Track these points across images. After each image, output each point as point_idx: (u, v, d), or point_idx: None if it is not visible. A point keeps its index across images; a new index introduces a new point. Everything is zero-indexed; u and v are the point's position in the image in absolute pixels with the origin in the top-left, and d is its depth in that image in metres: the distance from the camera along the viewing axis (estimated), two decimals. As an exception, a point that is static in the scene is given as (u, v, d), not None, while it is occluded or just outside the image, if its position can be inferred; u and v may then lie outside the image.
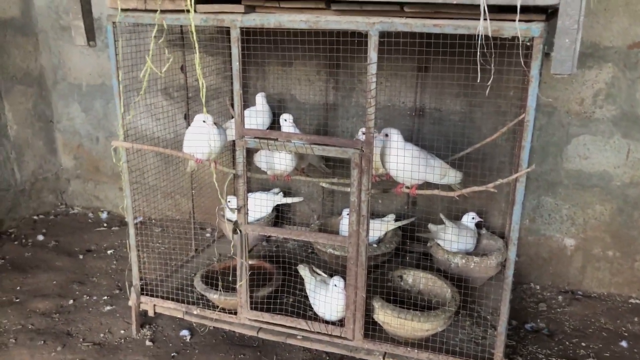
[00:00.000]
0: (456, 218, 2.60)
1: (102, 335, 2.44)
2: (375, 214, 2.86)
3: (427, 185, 2.13)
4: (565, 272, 2.80)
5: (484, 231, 2.65)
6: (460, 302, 2.16)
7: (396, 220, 2.74)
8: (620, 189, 2.61)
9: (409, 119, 2.79)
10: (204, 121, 2.19)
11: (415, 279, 2.38)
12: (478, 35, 1.57)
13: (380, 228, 2.66)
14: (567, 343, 2.39)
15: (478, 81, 1.67)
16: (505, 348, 2.20)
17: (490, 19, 1.58)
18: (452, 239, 2.43)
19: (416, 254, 2.74)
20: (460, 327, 2.23)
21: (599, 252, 2.71)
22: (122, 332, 2.46)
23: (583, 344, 2.38)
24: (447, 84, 2.63)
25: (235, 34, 1.91)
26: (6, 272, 2.95)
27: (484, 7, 1.53)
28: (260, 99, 2.72)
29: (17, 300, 2.69)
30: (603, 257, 2.71)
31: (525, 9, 1.56)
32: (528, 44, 1.63)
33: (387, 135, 2.11)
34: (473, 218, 2.53)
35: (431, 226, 2.51)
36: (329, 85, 2.89)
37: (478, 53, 1.59)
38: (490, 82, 1.74)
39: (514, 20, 1.55)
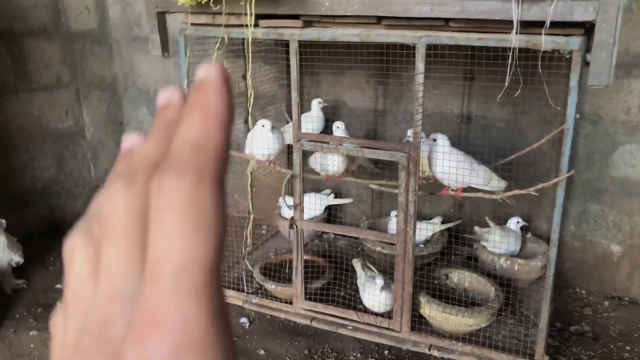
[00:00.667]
0: (502, 222, 2.69)
1: (168, 319, 2.67)
2: (422, 217, 2.99)
3: (472, 188, 2.25)
4: (611, 278, 2.83)
5: (529, 235, 2.73)
6: (503, 300, 2.26)
7: (443, 222, 2.86)
8: (668, 196, 2.63)
9: (456, 125, 2.90)
10: (263, 126, 2.39)
11: (461, 277, 2.50)
12: (512, 49, 1.69)
13: (427, 230, 2.78)
14: (611, 346, 2.44)
15: (516, 94, 1.79)
16: (548, 347, 2.29)
17: (529, 33, 1.70)
18: (497, 242, 2.53)
19: (462, 255, 2.85)
20: (503, 325, 2.33)
21: (646, 259, 2.74)
22: (186, 317, 2.69)
23: (628, 348, 2.42)
24: (493, 92, 2.72)
25: (294, 47, 2.10)
26: (83, 260, 3.25)
27: (517, 23, 1.66)
28: (315, 105, 2.89)
29: (94, 285, 2.97)
30: (650, 264, 2.74)
31: (564, 24, 1.68)
32: (567, 56, 1.74)
33: (435, 140, 2.25)
34: (518, 222, 2.61)
35: (477, 229, 2.62)
36: (378, 93, 3.05)
37: (509, 65, 1.72)
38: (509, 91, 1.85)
39: (552, 35, 1.67)
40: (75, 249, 0.25)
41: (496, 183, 2.26)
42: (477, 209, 2.93)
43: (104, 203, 0.24)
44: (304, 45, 2.20)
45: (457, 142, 2.89)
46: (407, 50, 1.98)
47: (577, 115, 2.53)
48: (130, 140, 0.28)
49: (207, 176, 0.22)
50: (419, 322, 2.22)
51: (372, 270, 2.44)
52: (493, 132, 2.82)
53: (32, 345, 2.43)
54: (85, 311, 0.23)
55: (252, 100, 2.13)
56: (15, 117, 3.34)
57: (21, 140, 3.39)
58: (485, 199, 2.81)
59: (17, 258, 2.85)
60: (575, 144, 2.73)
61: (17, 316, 2.64)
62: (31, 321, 2.60)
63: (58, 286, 2.93)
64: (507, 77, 1.77)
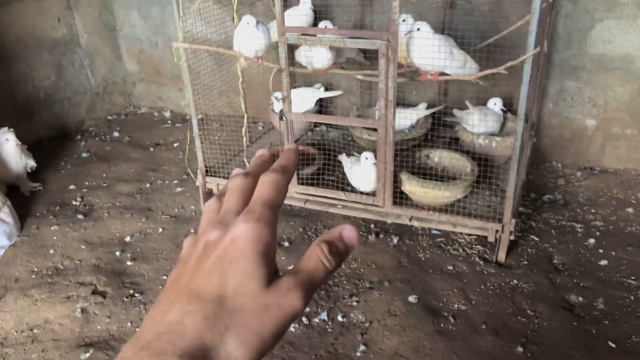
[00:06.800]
0: (484, 104, 2.83)
1: (176, 210, 2.94)
2: (408, 104, 3.13)
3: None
4: (585, 150, 3.02)
5: (509, 115, 2.88)
6: (477, 173, 2.46)
7: (428, 108, 3.00)
8: (642, 70, 2.74)
9: (441, 11, 2.95)
10: (247, 23, 2.47)
11: (441, 157, 2.70)
12: None
13: (412, 116, 2.93)
14: (578, 210, 2.69)
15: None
16: (519, 214, 2.53)
17: None
18: (475, 122, 2.69)
19: (445, 138, 3.02)
20: (480, 197, 2.55)
21: (618, 131, 2.90)
22: (192, 207, 2.95)
23: (592, 211, 2.67)
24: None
25: (272, -61, 2.14)
26: (93, 162, 3.47)
27: None
28: (302, 2, 2.91)
29: (105, 184, 3.22)
30: (622, 135, 2.91)
31: None
32: None
33: (419, 29, 2.32)
34: (495, 104, 2.75)
35: (456, 111, 2.77)
36: (364, -18, 3.07)
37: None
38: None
39: None
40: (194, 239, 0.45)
41: (471, 65, 2.37)
42: (461, 94, 3.06)
43: (207, 235, 0.43)
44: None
45: (442, 29, 2.97)
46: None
47: (556, -6, 2.58)
48: (209, 203, 0.48)
49: (266, 222, 0.41)
50: (402, 199, 2.44)
51: (355, 155, 2.63)
52: (477, 16, 2.88)
53: (54, 238, 2.71)
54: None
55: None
56: (10, 28, 3.41)
57: (18, 51, 3.48)
58: (468, 83, 2.94)
59: (31, 163, 3.08)
60: (555, 23, 2.80)
61: (38, 214, 2.90)
62: (51, 218, 2.87)
63: (71, 187, 3.17)
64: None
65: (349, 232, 0.44)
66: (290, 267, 0.42)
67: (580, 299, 2.14)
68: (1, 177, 2.99)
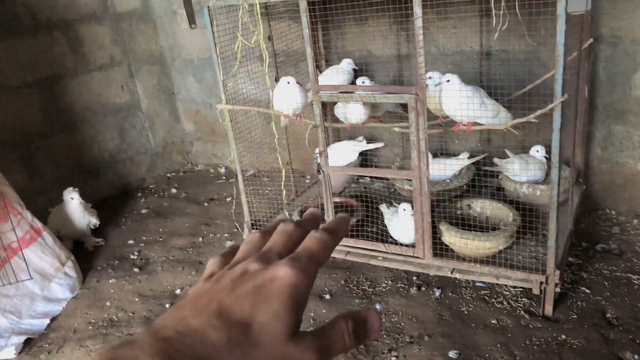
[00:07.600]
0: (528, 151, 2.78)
1: (224, 263, 3.03)
2: (451, 153, 3.13)
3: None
4: (640, 196, 2.88)
5: (554, 162, 2.81)
6: (519, 223, 2.40)
7: (470, 157, 2.98)
8: (694, 110, 2.62)
9: (477, 62, 2.98)
10: (288, 82, 2.60)
11: (483, 206, 2.66)
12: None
13: (453, 166, 2.92)
14: (634, 260, 2.54)
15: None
16: (567, 263, 2.43)
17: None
18: (517, 171, 2.64)
19: (490, 187, 2.98)
20: (524, 247, 2.48)
21: (674, 175, 2.76)
22: (240, 260, 3.03)
23: (650, 261, 2.52)
24: (510, 26, 2.76)
25: (303, 6, 2.28)
26: (151, 218, 3.67)
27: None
28: (345, 63, 3.02)
29: (161, 239, 3.38)
30: (679, 179, 2.76)
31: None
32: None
33: (448, 80, 2.37)
34: (538, 151, 2.70)
35: (496, 160, 2.74)
36: (400, 38, 3.16)
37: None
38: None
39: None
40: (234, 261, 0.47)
41: (504, 114, 2.36)
42: (505, 141, 3.02)
43: (247, 264, 0.44)
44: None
45: (480, 78, 2.99)
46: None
47: (591, 40, 2.56)
48: (253, 236, 0.50)
49: (308, 275, 0.42)
50: (444, 250, 2.41)
51: (396, 206, 2.65)
52: (514, 65, 2.88)
53: (112, 291, 2.86)
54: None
55: (267, 61, 2.36)
56: (79, 97, 3.75)
57: (86, 117, 3.81)
58: (511, 132, 2.92)
59: (94, 220, 3.30)
60: (595, 67, 2.75)
61: (99, 268, 3.09)
62: (110, 271, 3.04)
63: (130, 242, 3.36)
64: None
65: (373, 321, 0.45)
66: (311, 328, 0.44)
67: (636, 357, 2.00)
68: (67, 233, 3.22)
